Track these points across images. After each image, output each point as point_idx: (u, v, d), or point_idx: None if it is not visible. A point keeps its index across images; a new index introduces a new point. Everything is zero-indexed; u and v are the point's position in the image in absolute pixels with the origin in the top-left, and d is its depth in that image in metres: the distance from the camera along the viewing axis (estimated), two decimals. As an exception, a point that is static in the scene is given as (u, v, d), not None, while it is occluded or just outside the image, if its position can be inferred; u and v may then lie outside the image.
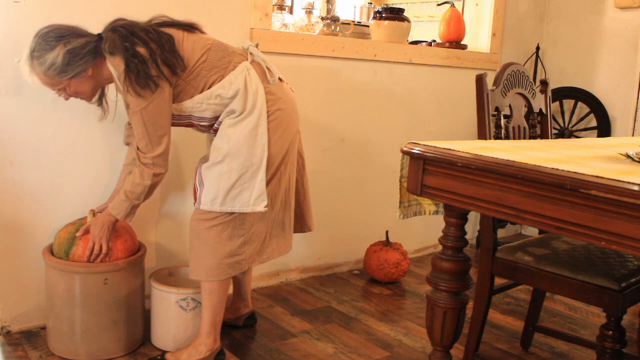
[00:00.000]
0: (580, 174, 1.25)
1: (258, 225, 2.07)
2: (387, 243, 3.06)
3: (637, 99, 3.49)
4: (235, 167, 1.98)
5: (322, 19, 3.10)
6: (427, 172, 1.54)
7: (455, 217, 1.62)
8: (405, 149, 1.57)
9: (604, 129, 3.63)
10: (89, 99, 2.02)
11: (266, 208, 2.02)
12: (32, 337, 2.24)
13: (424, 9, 4.78)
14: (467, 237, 1.65)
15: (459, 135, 3.53)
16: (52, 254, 2.10)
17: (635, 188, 1.14)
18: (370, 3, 3.88)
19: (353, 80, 3.04)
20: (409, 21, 3.24)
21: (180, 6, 2.43)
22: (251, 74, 2.01)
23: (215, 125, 2.07)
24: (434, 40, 3.56)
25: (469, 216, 1.65)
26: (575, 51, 3.79)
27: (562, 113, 3.79)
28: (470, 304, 1.89)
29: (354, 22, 3.31)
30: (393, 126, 3.27)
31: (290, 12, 3.61)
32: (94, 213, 2.13)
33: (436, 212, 1.73)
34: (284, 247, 2.19)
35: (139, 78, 1.84)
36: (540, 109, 2.23)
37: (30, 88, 2.16)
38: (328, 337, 2.42)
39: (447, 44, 3.45)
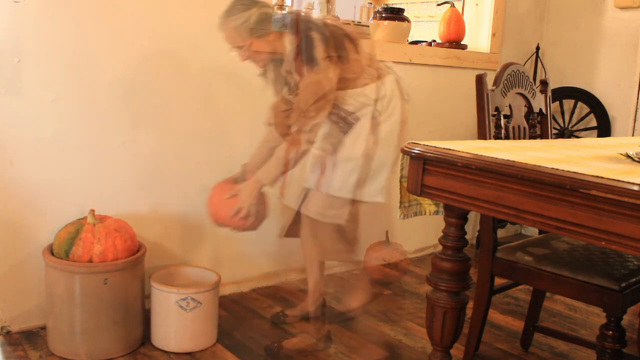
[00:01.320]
0: (580, 174, 1.25)
1: (354, 224, 2.28)
2: (387, 243, 3.04)
3: (637, 99, 3.49)
4: (369, 163, 2.20)
5: (322, 19, 3.10)
6: (427, 172, 1.54)
7: (455, 217, 1.62)
8: (405, 149, 1.57)
9: (604, 129, 3.63)
10: (261, 63, 2.18)
11: (383, 199, 2.25)
12: (32, 337, 2.24)
13: (424, 9, 4.78)
14: (467, 237, 1.65)
15: (459, 135, 3.53)
16: (52, 254, 2.10)
17: (635, 188, 1.14)
18: (370, 3, 3.87)
19: (353, 80, 3.03)
20: (409, 21, 3.24)
21: (180, 6, 2.43)
22: (395, 87, 2.28)
23: (350, 119, 2.23)
24: (434, 40, 3.56)
25: (469, 216, 1.65)
26: (575, 51, 3.79)
27: (562, 113, 3.78)
28: (470, 304, 1.89)
29: (354, 22, 3.31)
30: (393, 126, 3.26)
31: (290, 12, 3.60)
32: (94, 213, 2.13)
33: (436, 212, 1.73)
34: None
35: (305, 54, 2.06)
36: (540, 109, 2.23)
37: (30, 88, 2.17)
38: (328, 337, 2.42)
39: (447, 44, 3.45)
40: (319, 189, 2.23)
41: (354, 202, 2.23)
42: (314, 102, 2.08)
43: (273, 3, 2.85)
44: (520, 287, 2.80)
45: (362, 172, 2.20)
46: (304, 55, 2.07)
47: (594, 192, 1.19)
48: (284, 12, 2.20)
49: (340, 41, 2.12)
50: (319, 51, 2.06)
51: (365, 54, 2.25)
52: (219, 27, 2.11)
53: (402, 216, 1.70)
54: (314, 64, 2.06)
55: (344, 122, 2.25)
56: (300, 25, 2.09)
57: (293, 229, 2.38)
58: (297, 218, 2.35)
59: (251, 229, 2.26)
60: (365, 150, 2.19)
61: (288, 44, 2.10)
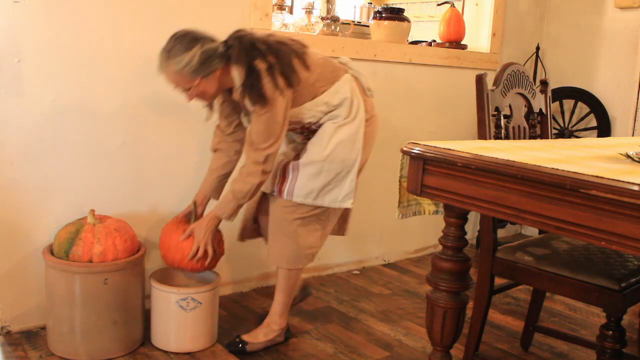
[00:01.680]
0: (580, 174, 1.25)
1: (333, 220, 2.28)
2: (194, 219, 2.27)
3: (637, 99, 3.48)
4: (333, 167, 2.16)
5: (322, 19, 3.10)
6: (427, 172, 1.54)
7: (455, 217, 1.62)
8: (405, 149, 1.57)
9: (604, 129, 3.63)
10: (210, 99, 2.12)
11: (352, 205, 2.23)
12: (32, 337, 2.24)
13: (424, 9, 4.78)
14: (467, 237, 1.65)
15: (459, 135, 3.53)
16: (52, 254, 2.10)
17: (635, 188, 1.14)
18: (370, 3, 3.88)
19: (353, 80, 3.03)
20: (409, 21, 3.24)
21: (180, 6, 2.43)
22: (354, 85, 2.21)
23: (313, 127, 2.20)
24: (434, 40, 3.56)
25: (469, 216, 1.65)
26: (575, 51, 3.79)
27: (562, 113, 3.79)
28: (470, 304, 1.89)
29: (354, 22, 3.31)
30: (393, 126, 3.27)
31: (290, 12, 3.61)
32: (94, 213, 2.13)
33: (436, 212, 1.73)
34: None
35: (252, 92, 1.97)
36: (540, 109, 2.23)
37: (30, 88, 2.17)
38: (328, 337, 2.42)
39: (447, 44, 3.45)
40: (282, 196, 2.20)
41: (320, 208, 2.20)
42: (265, 138, 2.03)
43: (273, 3, 2.85)
44: (520, 287, 2.80)
45: (329, 175, 2.16)
46: (252, 92, 1.97)
47: (594, 192, 1.19)
48: (222, 42, 2.02)
49: (287, 64, 2.01)
50: (267, 87, 1.97)
51: (317, 60, 2.15)
52: (159, 69, 2.00)
53: (400, 215, 1.70)
54: (263, 100, 1.97)
55: (307, 131, 2.23)
56: (243, 56, 1.97)
57: (250, 229, 2.41)
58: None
59: (209, 268, 2.20)
60: (329, 153, 2.14)
61: (236, 76, 2.01)
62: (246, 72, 1.98)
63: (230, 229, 2.41)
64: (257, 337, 2.26)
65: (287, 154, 2.32)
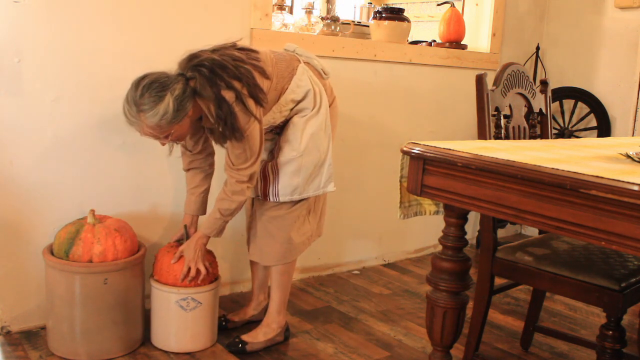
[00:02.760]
0: (580, 174, 1.25)
1: (321, 201, 2.32)
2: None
3: (637, 99, 3.49)
4: (312, 159, 2.17)
5: (322, 19, 3.10)
6: (427, 172, 1.54)
7: (455, 217, 1.62)
8: (405, 149, 1.57)
9: (604, 129, 3.63)
10: (184, 138, 2.06)
11: (334, 188, 2.27)
12: (32, 337, 2.24)
13: (424, 9, 4.78)
14: (467, 237, 1.65)
15: (459, 135, 3.53)
16: (52, 254, 2.10)
17: (635, 188, 1.14)
18: (370, 3, 3.88)
19: (353, 80, 3.04)
20: (409, 21, 3.24)
21: (180, 6, 2.43)
22: (310, 73, 2.19)
23: (280, 123, 2.18)
24: (434, 40, 3.56)
25: (469, 216, 1.65)
26: (575, 51, 3.79)
27: (562, 113, 3.79)
28: (470, 304, 1.89)
29: (354, 22, 3.31)
30: (393, 126, 3.27)
31: (290, 12, 3.61)
32: (94, 213, 2.13)
33: (436, 212, 1.73)
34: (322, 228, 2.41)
35: (226, 128, 1.92)
36: (540, 109, 2.23)
37: (30, 88, 2.17)
38: (328, 337, 2.42)
39: (447, 44, 3.45)
40: (268, 199, 2.20)
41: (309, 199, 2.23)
42: (245, 160, 2.00)
43: (273, 3, 2.85)
44: (520, 287, 2.80)
45: (308, 168, 2.17)
46: (226, 128, 1.92)
47: (594, 192, 1.19)
48: (180, 76, 1.93)
49: (252, 84, 1.95)
50: (241, 119, 1.92)
51: (271, 61, 2.09)
52: (130, 123, 1.91)
53: (402, 216, 1.70)
54: (239, 134, 1.93)
55: (278, 129, 2.22)
56: (207, 89, 1.89)
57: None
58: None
59: (203, 284, 2.18)
60: (304, 148, 2.14)
61: (207, 113, 1.95)
62: (215, 107, 1.91)
63: (230, 229, 2.40)
64: (257, 337, 2.27)
65: (263, 157, 2.23)
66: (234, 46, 2.03)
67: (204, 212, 2.29)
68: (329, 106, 2.24)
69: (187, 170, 2.28)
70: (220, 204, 2.08)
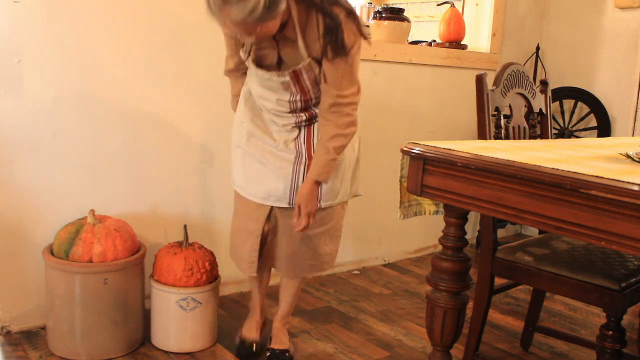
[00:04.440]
0: (580, 174, 1.25)
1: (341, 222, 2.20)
2: (185, 243, 2.26)
3: (637, 99, 3.49)
4: (349, 161, 2.07)
5: (322, 19, 3.09)
6: (427, 172, 1.54)
7: (455, 217, 1.62)
8: (405, 149, 1.57)
9: (604, 129, 3.63)
10: (265, 41, 1.85)
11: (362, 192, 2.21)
12: (32, 337, 2.24)
13: (424, 9, 4.79)
14: (467, 237, 1.65)
15: (459, 135, 3.53)
16: (52, 254, 2.10)
17: (635, 188, 1.14)
18: (370, 3, 3.88)
19: (353, 80, 3.03)
20: (409, 21, 3.24)
21: (180, 6, 2.43)
22: None
23: (306, 114, 1.98)
24: (434, 40, 3.56)
25: (469, 216, 1.65)
26: (575, 51, 3.79)
27: (562, 113, 3.78)
28: (470, 304, 1.89)
29: (354, 22, 3.31)
30: (393, 126, 3.27)
31: (290, 12, 3.60)
32: (94, 213, 2.13)
33: (436, 212, 1.73)
34: None
35: (336, 41, 1.78)
36: (540, 109, 2.23)
37: (30, 88, 2.17)
38: (328, 337, 2.42)
39: (447, 44, 3.45)
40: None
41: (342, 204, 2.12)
42: (350, 85, 1.86)
43: None
44: (520, 287, 2.80)
45: (347, 169, 2.07)
46: (335, 44, 1.77)
47: (594, 192, 1.19)
48: None
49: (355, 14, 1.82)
50: (349, 38, 1.78)
51: None
52: (212, 13, 1.66)
53: (402, 216, 1.70)
54: (342, 52, 1.79)
55: (304, 121, 2.02)
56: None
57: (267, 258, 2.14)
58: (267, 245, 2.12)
59: (203, 283, 2.16)
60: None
61: (298, 18, 1.78)
62: (323, 17, 1.77)
63: (230, 229, 2.40)
64: (286, 342, 2.24)
65: (278, 148, 2.01)
66: None
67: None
68: None
69: (226, 73, 2.12)
70: (334, 142, 1.90)
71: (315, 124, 2.01)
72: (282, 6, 1.67)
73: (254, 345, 2.24)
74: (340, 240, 2.18)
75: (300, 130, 2.02)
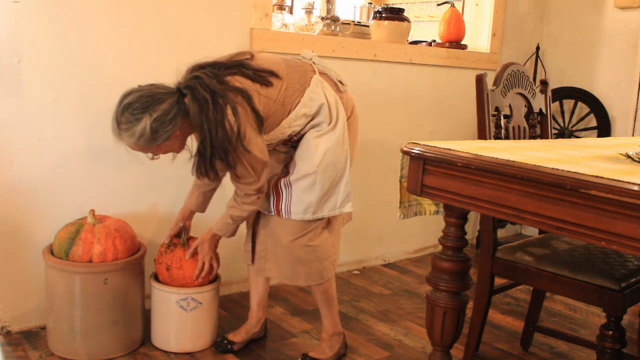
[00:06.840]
0: (580, 174, 1.25)
1: (337, 228, 2.22)
2: (184, 242, 2.23)
3: (637, 99, 3.48)
4: (327, 176, 2.04)
5: (322, 19, 3.10)
6: (427, 172, 1.54)
7: (455, 217, 1.62)
8: (405, 149, 1.57)
9: (604, 129, 3.63)
10: (179, 151, 2.02)
11: (352, 208, 2.14)
12: (32, 337, 2.24)
13: (424, 9, 4.79)
14: (467, 237, 1.65)
15: (459, 135, 3.53)
16: (52, 254, 2.10)
17: (635, 188, 1.14)
18: (370, 3, 3.88)
19: (353, 80, 3.02)
20: (409, 21, 3.24)
21: (180, 6, 2.43)
22: (325, 85, 2.07)
23: (295, 138, 2.09)
24: (434, 40, 3.56)
25: (469, 216, 1.65)
26: (575, 51, 3.79)
27: (562, 113, 3.79)
28: (470, 304, 1.89)
29: (354, 22, 3.31)
30: (393, 126, 3.27)
31: (290, 12, 3.61)
32: (94, 213, 2.13)
33: (436, 212, 1.73)
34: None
35: (216, 151, 1.88)
36: (540, 109, 2.23)
37: (30, 88, 2.17)
38: (328, 337, 2.42)
39: (447, 44, 3.45)
40: (280, 215, 2.09)
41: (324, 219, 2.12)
42: (249, 176, 1.95)
43: (273, 3, 2.85)
44: (520, 287, 2.81)
45: (324, 185, 2.04)
46: (218, 154, 1.87)
47: (594, 192, 1.19)
48: (175, 92, 1.88)
49: (252, 109, 1.88)
50: (247, 140, 1.87)
51: (282, 71, 1.99)
52: (115, 138, 1.90)
53: (402, 216, 1.70)
54: (232, 159, 1.89)
55: (291, 142, 2.12)
56: (205, 117, 1.83)
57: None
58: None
59: (205, 282, 2.19)
60: (319, 163, 2.02)
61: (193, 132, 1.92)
62: (203, 132, 1.87)
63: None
64: (323, 352, 2.23)
65: (274, 166, 2.15)
66: (241, 64, 1.94)
67: (203, 210, 2.26)
68: (347, 119, 2.11)
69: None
70: (232, 211, 2.05)
71: (302, 143, 2.08)
72: (172, 130, 1.85)
73: (232, 344, 2.27)
74: (322, 263, 2.14)
75: (290, 151, 2.15)
